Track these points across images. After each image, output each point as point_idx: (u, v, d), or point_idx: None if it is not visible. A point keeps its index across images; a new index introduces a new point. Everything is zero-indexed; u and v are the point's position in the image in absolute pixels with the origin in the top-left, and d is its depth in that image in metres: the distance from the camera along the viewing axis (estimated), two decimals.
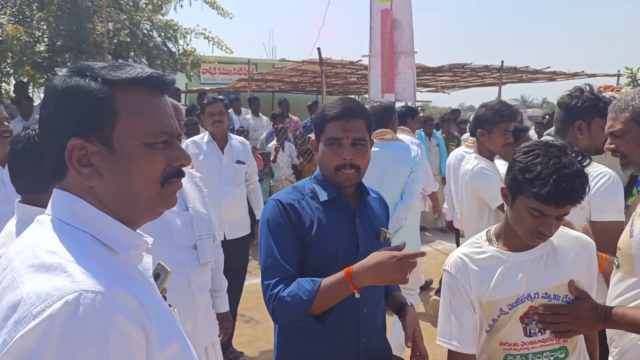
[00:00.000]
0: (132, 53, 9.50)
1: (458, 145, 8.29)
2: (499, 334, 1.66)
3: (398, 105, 5.36)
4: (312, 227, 1.72)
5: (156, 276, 1.65)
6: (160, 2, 9.99)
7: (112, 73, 0.90)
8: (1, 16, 8.41)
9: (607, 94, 2.34)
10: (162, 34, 10.03)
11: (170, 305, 1.02)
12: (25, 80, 9.35)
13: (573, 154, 1.53)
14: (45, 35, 8.70)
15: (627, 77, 6.59)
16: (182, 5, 10.28)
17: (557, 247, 1.67)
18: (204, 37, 10.26)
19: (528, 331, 1.64)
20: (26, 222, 0.96)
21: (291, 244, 1.70)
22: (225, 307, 2.55)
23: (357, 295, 1.59)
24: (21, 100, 7.24)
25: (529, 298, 1.63)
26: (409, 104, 5.85)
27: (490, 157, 3.09)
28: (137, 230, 0.97)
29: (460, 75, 12.58)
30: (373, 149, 1.88)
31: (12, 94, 9.29)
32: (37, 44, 8.68)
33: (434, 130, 7.99)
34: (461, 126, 9.28)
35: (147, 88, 0.93)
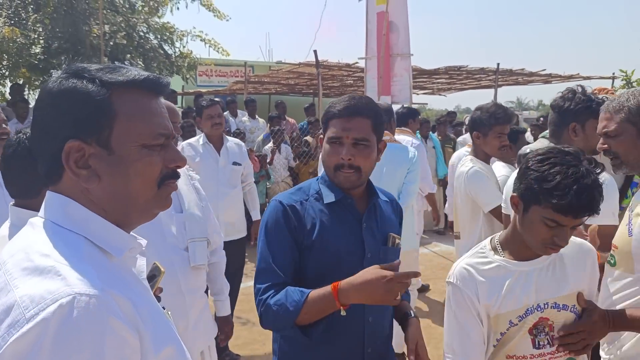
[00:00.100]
0: (129, 55, 9.49)
1: (454, 147, 8.31)
2: (507, 346, 1.60)
3: (398, 106, 5.37)
4: (314, 230, 1.65)
5: (152, 276, 1.65)
6: (156, 5, 9.99)
7: (109, 75, 0.90)
8: None
9: (602, 97, 2.35)
10: (159, 37, 10.02)
11: (164, 308, 1.02)
12: (21, 82, 9.33)
13: (586, 162, 1.49)
14: (41, 38, 8.68)
15: (622, 80, 6.62)
16: (178, 8, 10.30)
17: (563, 255, 1.63)
18: (201, 40, 10.27)
19: (537, 343, 1.59)
20: (19, 225, 0.96)
21: (286, 249, 1.65)
22: (225, 311, 2.53)
23: (342, 313, 1.52)
24: (17, 102, 7.22)
25: (539, 309, 1.59)
26: (405, 105, 5.86)
27: (486, 159, 3.10)
28: (131, 233, 0.97)
29: (456, 77, 12.61)
30: None
31: (7, 96, 9.25)
32: (33, 46, 8.67)
33: (430, 132, 8.00)
34: (457, 128, 9.30)
35: (143, 90, 0.93)
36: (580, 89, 2.35)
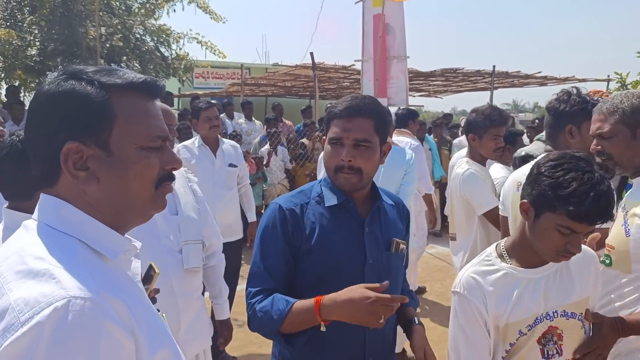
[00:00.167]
0: (125, 58, 9.48)
1: (450, 149, 8.33)
2: (516, 357, 1.55)
3: (397, 108, 5.38)
4: (313, 235, 1.60)
5: (149, 277, 1.65)
6: (152, 7, 9.98)
7: (107, 78, 0.90)
8: None
9: (597, 98, 2.36)
10: (155, 39, 10.02)
11: (158, 310, 1.01)
12: (17, 84, 9.30)
13: (597, 167, 1.46)
14: (36, 39, 8.66)
15: (617, 82, 6.65)
16: (174, 10, 10.29)
17: (568, 261, 1.59)
18: (197, 42, 10.26)
19: (546, 353, 1.55)
20: (13, 228, 0.95)
21: (279, 255, 1.61)
22: (224, 315, 2.51)
23: (322, 329, 1.46)
24: (12, 104, 7.20)
25: (548, 317, 1.55)
26: (400, 108, 5.88)
27: (481, 161, 3.11)
28: (125, 235, 0.97)
29: (452, 80, 12.66)
30: None
31: (3, 98, 9.23)
32: (29, 48, 8.65)
33: (426, 134, 8.02)
34: (453, 130, 9.32)
35: (141, 93, 0.93)
36: (575, 91, 2.34)
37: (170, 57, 10.18)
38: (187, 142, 4.04)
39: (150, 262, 1.69)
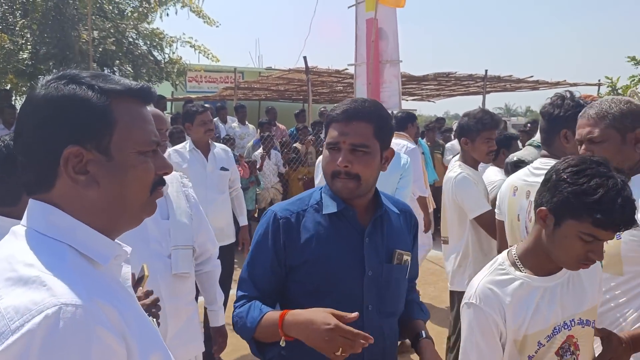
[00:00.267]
0: (118, 61, 9.45)
1: (443, 153, 8.37)
2: None
3: (395, 111, 5.41)
4: (309, 245, 1.55)
5: (139, 279, 1.65)
6: (145, 11, 9.96)
7: (106, 84, 0.91)
8: None
9: (590, 102, 2.37)
10: (148, 43, 10.00)
11: (149, 315, 1.01)
12: (8, 87, 9.25)
13: (616, 171, 1.42)
14: (28, 43, 8.62)
15: (608, 87, 6.71)
16: (168, 14, 10.26)
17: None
18: (190, 46, 10.25)
19: None
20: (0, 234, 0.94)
21: (267, 266, 1.58)
22: (218, 322, 2.47)
23: (281, 344, 1.41)
24: (4, 108, 7.15)
25: (566, 327, 1.51)
26: (394, 112, 5.90)
27: (474, 165, 3.13)
28: (115, 240, 0.97)
29: (445, 84, 12.73)
30: None
31: None
32: (21, 52, 8.60)
33: (419, 138, 8.05)
34: (446, 134, 9.36)
35: (137, 99, 0.95)
36: (568, 95, 2.35)
37: (163, 61, 10.16)
38: (178, 147, 4.02)
39: (143, 264, 1.69)
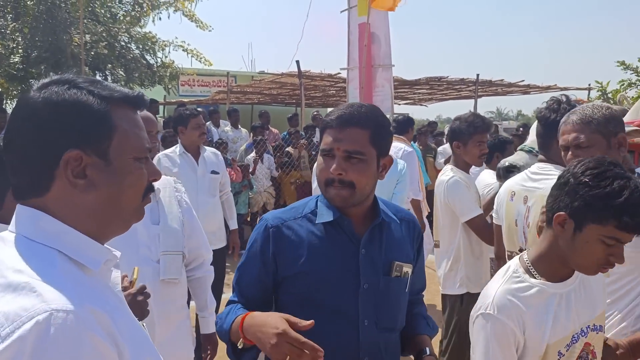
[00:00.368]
0: (110, 65, 9.42)
1: (435, 157, 8.40)
2: None
3: (395, 115, 5.48)
4: (301, 256, 1.48)
5: (130, 283, 1.65)
6: (138, 15, 9.94)
7: (104, 90, 0.93)
8: None
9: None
10: (140, 46, 9.97)
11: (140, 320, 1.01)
12: None
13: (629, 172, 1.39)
14: (20, 47, 8.57)
15: (598, 91, 6.77)
16: (160, 18, 10.25)
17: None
18: (183, 50, 10.24)
19: None
20: None
21: (254, 277, 1.54)
22: (208, 329, 2.43)
23: (239, 345, 1.38)
24: None
25: (583, 334, 1.47)
26: (388, 115, 5.94)
27: (466, 169, 3.15)
28: (105, 245, 0.97)
29: (437, 88, 12.77)
30: None
31: None
32: (12, 56, 8.55)
33: (412, 142, 8.08)
34: (438, 138, 9.41)
35: (132, 106, 0.97)
36: (564, 99, 2.35)
37: (155, 65, 10.14)
38: (168, 151, 4.00)
39: (135, 267, 1.68)
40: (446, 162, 5.19)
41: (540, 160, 2.35)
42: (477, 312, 1.45)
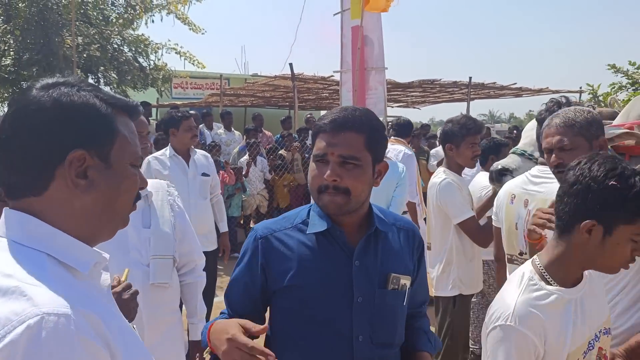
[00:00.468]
0: (102, 68, 9.39)
1: (428, 159, 8.43)
2: None
3: (394, 118, 5.55)
4: (291, 268, 1.42)
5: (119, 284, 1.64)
6: (131, 17, 9.91)
7: (107, 97, 0.96)
8: None
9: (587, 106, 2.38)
10: (133, 49, 9.94)
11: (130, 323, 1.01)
12: None
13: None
14: (11, 49, 8.53)
15: (589, 94, 6.81)
16: (153, 21, 10.22)
17: (591, 275, 1.49)
18: (176, 52, 10.21)
19: None
20: None
21: (242, 287, 1.50)
22: (196, 335, 2.38)
23: (204, 355, 1.37)
24: None
25: (596, 339, 1.44)
26: (381, 118, 5.97)
27: (458, 171, 3.16)
28: (94, 248, 0.97)
29: (429, 91, 12.81)
30: None
31: None
32: (3, 58, 8.50)
33: None
34: (431, 141, 9.43)
35: (130, 115, 1.00)
36: (564, 100, 2.35)
37: (148, 68, 10.11)
38: (158, 153, 3.97)
39: (126, 269, 1.68)
40: (439, 164, 5.26)
41: (541, 163, 2.36)
42: (494, 322, 1.38)
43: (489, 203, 3.22)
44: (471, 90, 11.76)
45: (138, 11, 9.82)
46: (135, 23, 10.06)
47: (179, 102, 12.55)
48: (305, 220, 1.48)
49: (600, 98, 6.33)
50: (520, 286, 1.41)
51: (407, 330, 1.57)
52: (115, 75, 9.54)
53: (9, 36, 8.50)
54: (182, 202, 2.40)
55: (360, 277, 1.42)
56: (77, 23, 8.30)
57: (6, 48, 8.48)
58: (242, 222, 7.97)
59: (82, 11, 9.26)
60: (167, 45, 10.13)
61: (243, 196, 7.36)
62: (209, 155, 4.25)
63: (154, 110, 12.26)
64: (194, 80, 15.37)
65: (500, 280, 2.76)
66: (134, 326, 1.05)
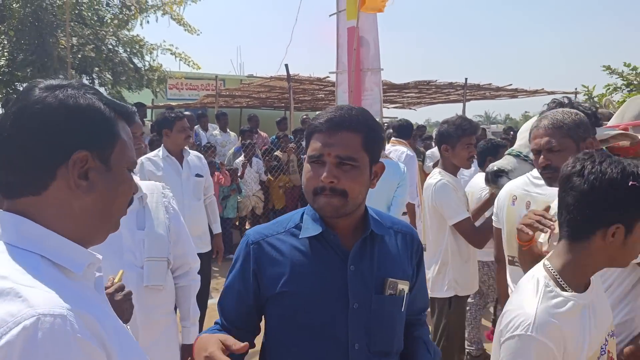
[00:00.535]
0: (97, 68, 9.37)
1: (424, 160, 8.42)
2: None
3: (393, 120, 5.61)
4: (283, 274, 1.38)
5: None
6: (126, 18, 9.90)
7: (109, 101, 0.98)
8: None
9: (589, 106, 2.37)
10: (128, 50, 9.93)
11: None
12: None
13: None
14: (5, 50, 8.50)
15: (584, 95, 6.83)
16: (148, 22, 10.21)
17: (595, 278, 1.48)
18: (171, 53, 10.21)
19: None
20: None
21: (235, 294, 1.45)
22: (188, 339, 2.38)
23: None
24: None
25: (606, 342, 1.43)
26: (377, 119, 5.98)
27: (454, 172, 3.16)
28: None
29: (425, 92, 12.86)
30: None
31: None
32: None
33: None
34: (427, 142, 9.44)
35: (127, 121, 1.01)
36: (566, 100, 2.34)
37: (143, 69, 10.09)
38: (150, 154, 3.96)
39: (121, 270, 1.67)
40: (434, 165, 5.27)
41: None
42: (512, 331, 1.33)
43: (485, 205, 3.22)
44: (467, 91, 11.82)
45: (133, 12, 9.80)
46: (130, 24, 10.06)
47: (174, 103, 12.54)
48: (299, 224, 1.44)
49: (596, 99, 6.35)
50: (537, 293, 1.37)
51: (406, 340, 1.52)
52: (110, 76, 9.52)
53: (3, 37, 8.48)
54: (176, 203, 2.38)
55: (355, 282, 1.37)
56: (71, 24, 8.29)
57: (0, 49, 8.44)
58: (237, 223, 7.95)
59: (76, 12, 9.24)
60: (162, 46, 10.13)
61: (238, 197, 7.35)
62: (202, 156, 4.24)
63: (149, 111, 12.22)
64: (189, 81, 15.36)
65: (500, 281, 2.76)
66: (127, 327, 1.04)
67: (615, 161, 1.35)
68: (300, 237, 1.41)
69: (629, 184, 1.31)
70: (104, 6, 10.05)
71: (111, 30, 9.65)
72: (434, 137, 8.99)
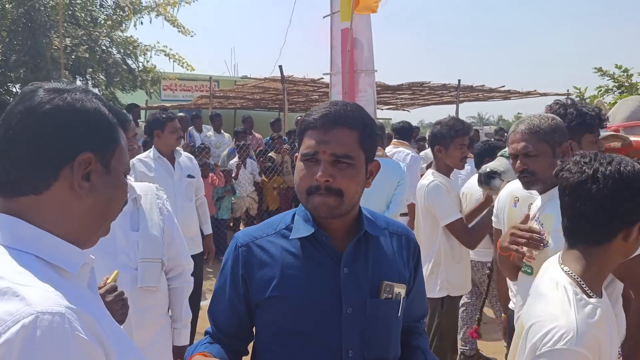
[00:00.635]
0: (90, 69, 9.32)
1: None
2: None
3: (395, 121, 5.68)
4: (273, 277, 1.32)
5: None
6: (119, 19, 9.86)
7: (110, 108, 1.00)
8: None
9: (593, 107, 2.37)
10: (122, 51, 9.88)
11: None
12: None
13: None
14: None
15: (576, 97, 6.88)
16: (142, 23, 10.17)
17: None
18: (165, 54, 10.17)
19: None
20: None
21: (225, 300, 1.39)
22: (180, 341, 2.37)
23: None
24: None
25: (621, 347, 1.44)
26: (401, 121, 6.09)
27: (447, 172, 3.18)
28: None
29: (419, 93, 12.88)
30: None
31: None
32: None
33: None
34: (420, 143, 9.45)
35: (122, 126, 1.03)
36: (569, 102, 2.31)
37: (137, 70, 10.05)
38: (142, 156, 3.94)
39: (116, 271, 1.67)
40: (428, 167, 5.30)
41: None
42: (553, 345, 1.27)
43: (480, 207, 3.24)
44: (460, 92, 11.85)
45: (127, 13, 9.76)
46: (123, 25, 10.01)
47: (168, 104, 12.50)
48: (289, 225, 1.37)
49: (588, 101, 6.40)
50: (571, 303, 1.32)
51: (404, 349, 1.45)
52: (103, 77, 9.48)
53: None
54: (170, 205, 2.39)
55: (349, 285, 1.30)
56: (65, 24, 8.25)
57: None
58: (231, 224, 7.95)
59: (69, 12, 9.19)
60: (156, 47, 10.08)
61: (232, 199, 7.34)
62: (193, 157, 4.25)
63: (142, 112, 12.19)
64: (183, 83, 15.31)
65: (500, 282, 2.78)
66: (121, 327, 1.05)
67: (618, 159, 1.35)
68: (290, 238, 1.34)
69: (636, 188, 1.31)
70: (98, 7, 10.01)
71: (105, 31, 9.60)
72: (427, 138, 9.04)
